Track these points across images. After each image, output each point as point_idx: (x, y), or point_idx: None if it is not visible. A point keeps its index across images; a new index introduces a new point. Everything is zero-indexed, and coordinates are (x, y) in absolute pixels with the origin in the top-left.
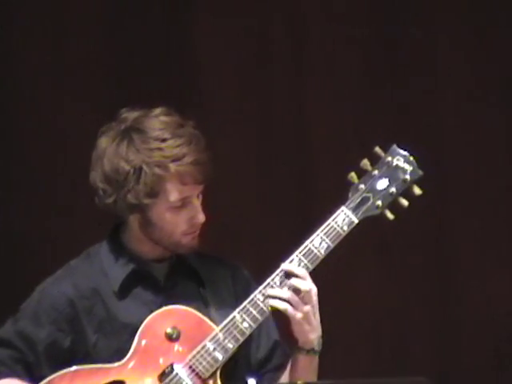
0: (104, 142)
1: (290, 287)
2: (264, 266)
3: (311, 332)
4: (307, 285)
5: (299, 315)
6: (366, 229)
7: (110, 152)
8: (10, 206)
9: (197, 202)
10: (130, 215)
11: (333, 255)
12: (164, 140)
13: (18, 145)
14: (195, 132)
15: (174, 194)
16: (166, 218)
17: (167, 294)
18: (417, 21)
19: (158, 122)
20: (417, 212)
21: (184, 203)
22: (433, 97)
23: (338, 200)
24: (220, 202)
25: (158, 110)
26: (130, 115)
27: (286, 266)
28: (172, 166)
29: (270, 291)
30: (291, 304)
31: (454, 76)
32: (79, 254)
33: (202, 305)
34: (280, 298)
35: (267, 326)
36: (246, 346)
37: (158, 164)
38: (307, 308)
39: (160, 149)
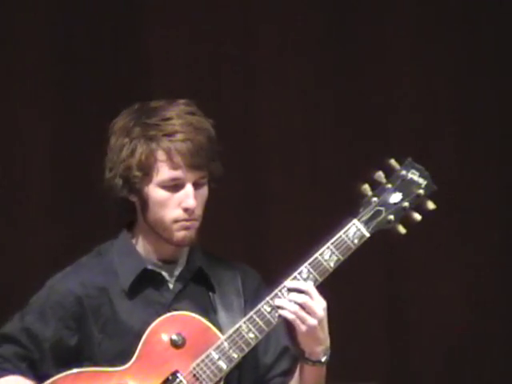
0: (116, 122)
1: (296, 302)
2: (272, 271)
3: (317, 345)
4: (313, 300)
5: (304, 328)
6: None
7: (117, 128)
8: None
9: (190, 189)
10: (127, 195)
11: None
12: (167, 119)
13: None
14: (204, 122)
15: (164, 172)
16: (156, 196)
17: (176, 296)
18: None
19: (173, 106)
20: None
21: (176, 185)
22: (386, 97)
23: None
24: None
25: (181, 100)
26: (154, 102)
27: (289, 283)
28: (163, 140)
29: (277, 301)
30: (297, 317)
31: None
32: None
33: (211, 309)
34: (287, 310)
35: (276, 331)
36: (253, 350)
37: (151, 137)
38: (313, 322)
39: (158, 124)
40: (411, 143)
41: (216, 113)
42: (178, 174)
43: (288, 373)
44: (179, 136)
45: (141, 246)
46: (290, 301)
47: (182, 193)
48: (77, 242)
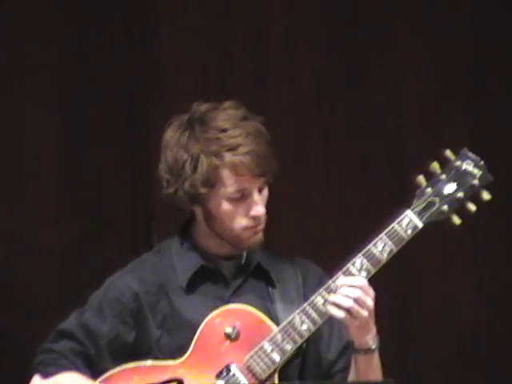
0: (169, 133)
1: (350, 297)
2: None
3: (368, 333)
4: (365, 293)
5: (357, 321)
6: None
7: (173, 142)
8: None
9: (256, 195)
10: (191, 206)
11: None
12: (224, 130)
13: None
14: (258, 126)
15: (230, 185)
16: (224, 209)
17: (234, 291)
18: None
19: (223, 113)
20: (379, 214)
21: (243, 196)
22: (394, 98)
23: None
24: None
25: (227, 104)
26: (199, 108)
27: (343, 279)
28: (227, 156)
29: (332, 298)
30: (351, 312)
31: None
32: None
33: (269, 304)
34: (340, 306)
35: (339, 327)
36: (315, 346)
37: (214, 153)
38: (365, 314)
39: (218, 138)
40: (424, 143)
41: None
42: (244, 185)
43: (349, 367)
44: (242, 149)
45: (200, 243)
46: (344, 296)
47: (248, 201)
48: (87, 237)
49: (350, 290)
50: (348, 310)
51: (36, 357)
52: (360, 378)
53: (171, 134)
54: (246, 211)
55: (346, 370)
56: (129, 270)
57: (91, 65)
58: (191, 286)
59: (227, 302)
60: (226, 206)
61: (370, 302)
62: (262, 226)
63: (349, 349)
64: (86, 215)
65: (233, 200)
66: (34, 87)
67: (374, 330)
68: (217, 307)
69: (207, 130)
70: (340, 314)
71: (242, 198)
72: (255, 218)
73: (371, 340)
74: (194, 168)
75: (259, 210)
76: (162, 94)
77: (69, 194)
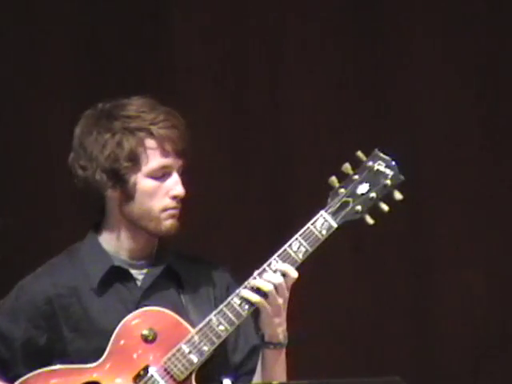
0: (82, 124)
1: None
2: (240, 266)
3: (279, 325)
4: (285, 284)
5: (270, 311)
6: (342, 229)
7: (89, 127)
8: None
9: (177, 176)
10: (110, 189)
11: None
12: (142, 111)
13: None
14: (173, 111)
15: (154, 159)
16: (145, 187)
17: (145, 293)
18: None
19: (135, 101)
20: (391, 213)
21: (164, 174)
22: (409, 99)
23: (314, 202)
24: (194, 202)
25: (136, 96)
26: (109, 102)
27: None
28: (152, 128)
29: (252, 281)
30: (267, 297)
31: (432, 76)
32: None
33: (180, 307)
34: (258, 290)
35: (246, 330)
36: (223, 348)
37: (137, 128)
38: (280, 301)
39: (138, 116)
40: (436, 137)
41: (241, 106)
42: (168, 161)
43: (255, 370)
44: (166, 123)
45: (109, 244)
46: (266, 280)
47: (169, 181)
48: None
49: (272, 276)
50: (265, 295)
51: None
52: (267, 375)
53: (85, 124)
54: (166, 191)
55: (251, 372)
56: (40, 273)
57: (104, 66)
58: (102, 289)
59: (138, 303)
60: (147, 183)
61: (287, 294)
62: (178, 211)
63: (255, 352)
64: None
65: (154, 178)
66: (48, 87)
67: (285, 324)
68: (128, 309)
69: (126, 111)
70: (256, 297)
71: (163, 176)
72: (175, 198)
73: (282, 334)
74: (118, 143)
75: (179, 189)
76: (175, 98)
77: None
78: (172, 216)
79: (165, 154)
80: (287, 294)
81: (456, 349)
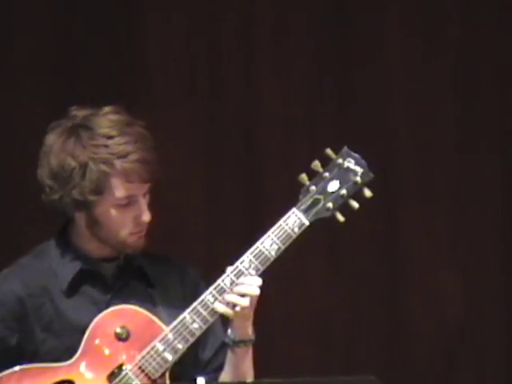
0: (51, 138)
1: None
2: (214, 264)
3: (249, 325)
4: (256, 289)
5: (241, 312)
6: (316, 227)
7: (57, 148)
8: None
9: (143, 202)
10: (76, 213)
11: (283, 254)
12: (111, 137)
13: None
14: (143, 131)
15: (119, 191)
16: (111, 215)
17: (115, 293)
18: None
19: (106, 119)
20: (367, 212)
21: (130, 202)
22: (382, 97)
23: (287, 200)
24: (168, 202)
25: (107, 109)
26: (79, 113)
27: (233, 277)
28: (117, 163)
29: (227, 297)
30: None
31: (404, 73)
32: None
33: (151, 305)
34: (233, 304)
35: (214, 327)
36: (191, 346)
37: (103, 160)
38: (251, 310)
39: (106, 146)
40: (412, 137)
41: (215, 108)
42: (133, 191)
43: (222, 367)
44: (132, 156)
45: (79, 246)
46: (239, 294)
47: (135, 207)
48: None
49: (245, 288)
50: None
51: None
52: (237, 372)
53: (54, 140)
54: (132, 217)
55: (220, 368)
56: (10, 273)
57: (79, 64)
58: (72, 289)
59: (109, 303)
60: (113, 212)
61: (256, 298)
62: (145, 231)
63: (224, 348)
64: None
65: (120, 206)
66: (21, 86)
67: (251, 321)
68: (99, 309)
69: (93, 136)
70: (229, 311)
71: (129, 204)
72: (141, 224)
73: (250, 330)
74: (83, 175)
75: (146, 216)
76: (149, 97)
77: None
78: (138, 237)
79: (129, 185)
80: (256, 297)
81: (430, 348)
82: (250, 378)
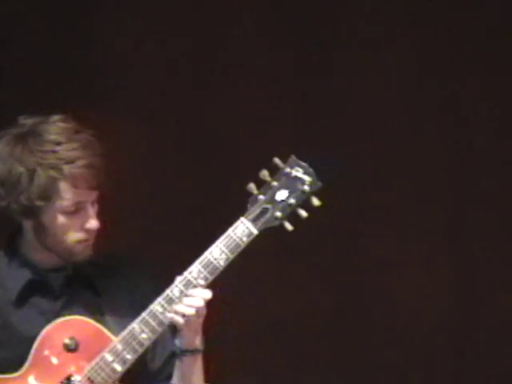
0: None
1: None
2: (163, 272)
3: (197, 335)
4: (202, 300)
5: (190, 324)
6: (270, 231)
7: (5, 154)
8: None
9: (91, 209)
10: (24, 220)
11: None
12: (59, 143)
13: None
14: (91, 139)
15: (67, 197)
16: (58, 222)
17: (64, 303)
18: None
19: (54, 127)
20: (327, 214)
21: (77, 209)
22: (342, 97)
23: (238, 208)
24: (121, 204)
25: (55, 117)
26: (27, 121)
27: (181, 287)
28: (65, 168)
29: (176, 307)
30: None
31: (365, 74)
32: None
33: (99, 314)
34: (183, 315)
35: (164, 337)
36: (143, 356)
37: (51, 166)
38: (200, 320)
39: (54, 151)
40: (372, 139)
41: (173, 111)
42: (80, 198)
43: (171, 377)
44: (80, 162)
45: (27, 255)
46: (187, 306)
47: (83, 214)
48: None
49: (193, 300)
50: (187, 318)
51: None
52: (184, 382)
53: (2, 147)
54: (80, 224)
55: (169, 378)
56: None
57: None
58: (21, 300)
59: (58, 314)
60: (60, 219)
61: (205, 310)
62: (93, 239)
63: (173, 358)
64: None
65: (67, 213)
66: None
67: (200, 332)
68: (48, 319)
69: (41, 142)
70: (180, 321)
71: (77, 211)
72: (89, 231)
73: (198, 341)
74: (30, 181)
75: (93, 223)
76: (107, 101)
77: None
78: (86, 246)
79: (77, 191)
80: (204, 312)
81: (386, 354)
82: None
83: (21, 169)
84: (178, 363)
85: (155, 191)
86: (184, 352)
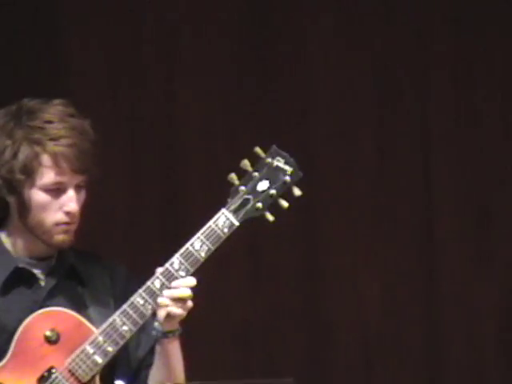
0: None
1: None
2: (143, 265)
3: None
4: (188, 291)
5: (173, 315)
6: (237, 231)
7: None
8: None
9: (72, 192)
10: (8, 196)
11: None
12: (49, 122)
13: None
14: (85, 124)
15: (47, 174)
16: (38, 200)
17: (48, 293)
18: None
19: (52, 108)
20: (288, 213)
21: (59, 189)
22: (304, 97)
23: (213, 200)
24: (91, 203)
25: (57, 100)
26: (28, 101)
27: (162, 278)
28: (49, 144)
29: (160, 300)
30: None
31: (325, 74)
32: None
33: (83, 305)
34: (166, 308)
35: (147, 325)
36: (124, 348)
37: (35, 141)
38: (183, 312)
39: (42, 128)
40: (332, 140)
41: (136, 110)
42: (62, 178)
43: (153, 364)
44: (65, 141)
45: (13, 243)
46: (163, 290)
47: (63, 197)
48: None
49: (179, 291)
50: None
51: None
52: (165, 366)
53: None
54: (59, 206)
55: (151, 365)
56: None
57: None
58: (5, 290)
59: (42, 304)
60: (40, 196)
61: (191, 303)
62: (73, 226)
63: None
64: None
65: (48, 192)
66: None
67: None
68: (32, 310)
69: (33, 119)
70: (162, 314)
71: (58, 191)
72: (68, 214)
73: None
74: (15, 154)
75: (72, 206)
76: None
77: None
78: (65, 231)
79: (59, 171)
80: (190, 306)
81: (350, 352)
82: (179, 371)
83: (8, 142)
84: (158, 347)
85: (134, 181)
86: (166, 333)
